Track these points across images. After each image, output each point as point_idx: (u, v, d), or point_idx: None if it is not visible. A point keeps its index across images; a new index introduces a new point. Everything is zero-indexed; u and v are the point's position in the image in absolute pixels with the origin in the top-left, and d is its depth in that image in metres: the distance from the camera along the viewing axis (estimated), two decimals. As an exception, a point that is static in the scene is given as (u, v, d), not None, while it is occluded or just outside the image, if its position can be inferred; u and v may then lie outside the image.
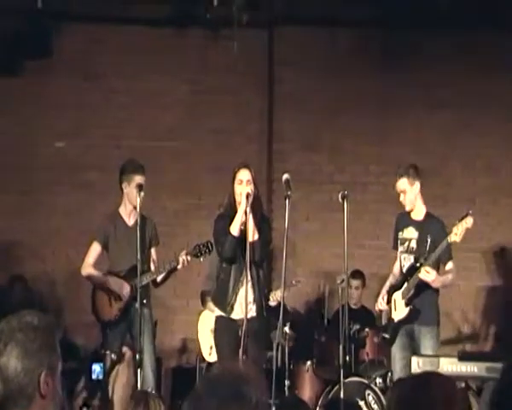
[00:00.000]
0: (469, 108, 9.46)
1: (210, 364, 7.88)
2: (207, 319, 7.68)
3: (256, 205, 6.50)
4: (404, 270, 7.04)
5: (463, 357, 6.12)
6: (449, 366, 6.01)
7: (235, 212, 6.46)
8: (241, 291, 6.46)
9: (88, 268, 7.26)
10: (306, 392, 7.84)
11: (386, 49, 9.32)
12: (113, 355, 6.96)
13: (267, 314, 6.70)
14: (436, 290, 6.93)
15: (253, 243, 6.35)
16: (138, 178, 7.06)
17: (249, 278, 6.35)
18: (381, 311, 7.40)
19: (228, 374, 2.41)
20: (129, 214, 7.27)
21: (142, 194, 6.92)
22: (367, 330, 7.92)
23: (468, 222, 6.57)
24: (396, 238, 7.22)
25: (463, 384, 6.25)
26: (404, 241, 7.12)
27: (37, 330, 2.55)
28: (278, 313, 6.32)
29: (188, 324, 8.76)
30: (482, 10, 8.88)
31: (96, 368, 6.86)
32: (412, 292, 6.87)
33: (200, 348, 8.09)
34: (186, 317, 8.98)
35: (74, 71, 9.45)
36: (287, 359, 7.83)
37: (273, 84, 9.72)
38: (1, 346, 2.52)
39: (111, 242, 7.27)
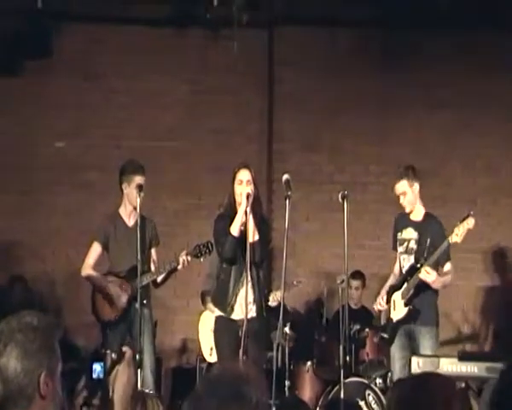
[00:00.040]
0: (469, 108, 9.46)
1: (210, 364, 7.88)
2: (208, 319, 7.68)
3: (256, 205, 6.49)
4: (404, 270, 7.04)
5: (463, 357, 6.12)
6: (449, 366, 6.02)
7: (235, 212, 6.45)
8: (242, 292, 6.45)
9: (88, 269, 7.26)
10: (306, 392, 7.83)
11: (386, 49, 9.32)
12: (113, 355, 6.96)
13: (267, 315, 6.70)
14: (435, 291, 6.93)
15: (253, 244, 6.34)
16: (138, 179, 7.05)
17: (249, 278, 6.35)
18: (379, 311, 7.40)
19: (228, 374, 2.41)
20: (129, 215, 7.26)
21: (142, 194, 6.92)
22: (367, 330, 7.91)
23: (470, 223, 6.57)
24: (395, 239, 7.22)
25: (463, 384, 6.24)
26: (403, 241, 7.12)
27: (37, 330, 2.55)
28: (278, 313, 6.32)
29: (188, 324, 8.76)
30: (482, 10, 8.88)
31: (97, 367, 6.87)
32: (412, 292, 6.87)
33: (200, 349, 8.09)
34: (186, 317, 8.99)
35: (74, 71, 9.45)
36: (287, 359, 7.83)
37: (273, 85, 9.72)
38: (1, 347, 2.52)
39: (111, 242, 7.26)
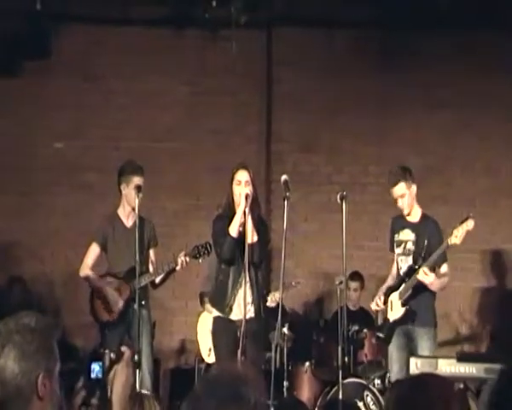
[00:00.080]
0: (469, 108, 9.45)
1: (209, 365, 7.88)
2: (206, 320, 7.67)
3: (254, 206, 6.49)
4: (402, 271, 7.04)
5: (462, 358, 6.11)
6: (447, 366, 6.01)
7: (234, 212, 6.45)
8: (240, 292, 6.45)
9: (86, 270, 7.25)
10: (305, 393, 7.83)
11: (385, 50, 9.32)
12: (112, 354, 6.95)
13: (266, 315, 6.70)
14: (433, 293, 6.92)
15: (251, 245, 6.33)
16: (137, 180, 7.05)
17: (247, 279, 6.35)
18: (377, 311, 7.41)
19: (226, 375, 2.41)
20: (127, 216, 7.26)
21: (141, 195, 6.91)
22: (365, 331, 7.90)
23: (469, 225, 6.56)
24: (392, 241, 7.22)
25: (462, 385, 6.24)
26: (400, 243, 7.11)
27: (35, 332, 2.55)
28: (277, 313, 6.32)
29: (186, 325, 8.78)
30: (482, 10, 8.88)
31: (95, 367, 6.85)
32: (409, 293, 6.87)
33: (199, 349, 8.10)
34: (185, 318, 9.00)
35: (73, 72, 9.45)
36: (285, 360, 7.83)
37: (272, 85, 9.72)
38: (-2, 348, 2.52)
39: (109, 243, 7.26)
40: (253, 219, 6.39)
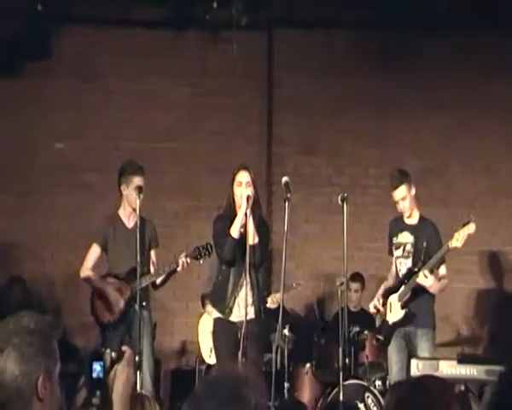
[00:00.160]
0: (469, 109, 9.44)
1: (210, 366, 7.88)
2: (208, 321, 7.65)
3: (255, 207, 6.49)
4: (401, 274, 7.04)
5: (463, 360, 6.12)
6: (448, 368, 6.01)
7: (235, 214, 6.45)
8: (240, 294, 6.45)
9: (87, 271, 7.25)
10: (306, 394, 7.83)
11: (385, 51, 9.32)
12: (113, 354, 6.94)
13: (266, 317, 6.70)
14: (432, 295, 6.93)
15: (252, 246, 6.33)
16: (137, 180, 7.04)
17: (248, 280, 6.35)
18: (375, 313, 7.40)
19: (227, 376, 2.41)
20: (128, 216, 7.25)
21: (142, 196, 6.89)
22: (366, 332, 7.89)
23: (471, 229, 6.56)
24: (391, 244, 7.22)
25: (463, 387, 6.24)
26: (399, 245, 7.12)
27: (34, 333, 2.54)
28: (278, 315, 6.32)
29: (187, 326, 8.77)
30: (482, 11, 8.87)
31: (97, 367, 6.85)
32: (408, 296, 6.87)
33: (199, 350, 8.09)
34: (186, 319, 8.99)
35: (74, 73, 9.45)
36: (286, 361, 7.83)
37: (272, 87, 9.71)
38: (-2, 350, 2.52)
39: (110, 244, 7.25)
40: (254, 220, 6.39)
